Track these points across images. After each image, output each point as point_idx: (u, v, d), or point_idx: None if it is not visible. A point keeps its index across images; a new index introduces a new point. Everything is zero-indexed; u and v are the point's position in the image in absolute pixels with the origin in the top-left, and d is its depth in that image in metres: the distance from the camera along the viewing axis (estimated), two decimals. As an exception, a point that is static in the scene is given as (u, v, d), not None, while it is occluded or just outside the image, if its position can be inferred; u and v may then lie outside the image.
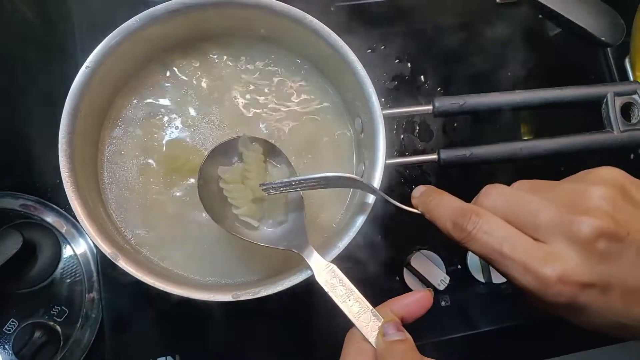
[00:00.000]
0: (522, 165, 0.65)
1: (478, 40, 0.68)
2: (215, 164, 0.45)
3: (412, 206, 0.42)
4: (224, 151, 0.46)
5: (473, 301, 0.62)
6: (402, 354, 0.34)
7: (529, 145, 0.47)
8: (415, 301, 0.38)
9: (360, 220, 0.45)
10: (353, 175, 0.42)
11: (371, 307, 0.37)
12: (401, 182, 0.64)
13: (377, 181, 0.46)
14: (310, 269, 0.41)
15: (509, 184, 0.38)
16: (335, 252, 0.44)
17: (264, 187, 0.43)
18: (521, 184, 0.37)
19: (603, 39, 0.55)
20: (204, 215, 0.49)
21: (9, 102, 0.64)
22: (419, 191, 0.42)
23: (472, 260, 0.61)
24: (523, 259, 0.32)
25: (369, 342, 0.36)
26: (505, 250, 0.33)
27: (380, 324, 0.36)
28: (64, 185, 0.43)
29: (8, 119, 0.63)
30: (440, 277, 0.59)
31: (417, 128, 0.65)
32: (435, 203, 0.39)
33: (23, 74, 0.64)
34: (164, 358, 0.57)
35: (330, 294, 0.38)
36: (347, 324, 0.38)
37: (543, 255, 0.32)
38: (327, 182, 0.42)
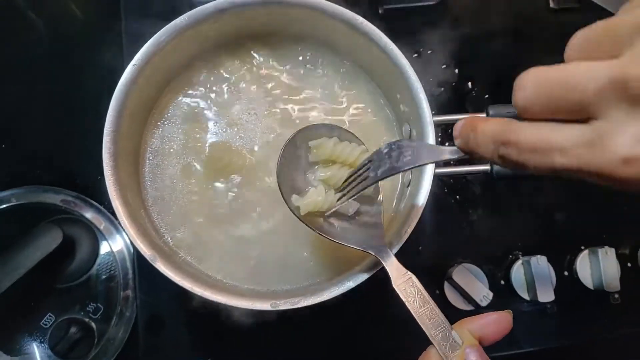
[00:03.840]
0: (576, 181, 0.62)
1: (530, 47, 0.65)
2: (297, 151, 0.42)
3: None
4: (307, 136, 0.42)
5: (516, 319, 0.58)
6: None
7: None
8: (493, 322, 0.34)
9: (416, 212, 0.43)
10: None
11: (450, 326, 0.34)
12: (445, 191, 0.61)
13: (425, 190, 0.44)
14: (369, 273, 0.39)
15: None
16: (396, 247, 0.42)
17: (337, 205, 0.41)
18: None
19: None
20: (245, 219, 0.49)
21: (53, 98, 0.64)
22: (457, 128, 0.34)
23: (517, 277, 0.59)
24: (576, 157, 0.26)
25: None
26: (557, 163, 0.27)
27: (459, 346, 0.33)
28: (106, 183, 0.43)
29: (52, 115, 0.64)
30: (482, 293, 0.56)
31: (463, 136, 0.62)
32: (474, 138, 0.32)
33: (69, 71, 0.65)
34: (197, 361, 0.56)
35: (407, 304, 0.36)
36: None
37: (598, 137, 0.25)
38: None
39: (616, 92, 0.24)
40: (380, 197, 0.42)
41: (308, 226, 0.40)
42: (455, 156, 0.34)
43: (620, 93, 0.24)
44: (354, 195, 0.40)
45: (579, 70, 0.26)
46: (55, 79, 0.65)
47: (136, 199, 0.47)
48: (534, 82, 0.28)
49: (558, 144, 0.27)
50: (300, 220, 0.40)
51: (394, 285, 0.37)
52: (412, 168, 0.35)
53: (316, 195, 0.40)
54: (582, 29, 0.28)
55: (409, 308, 0.35)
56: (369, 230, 0.41)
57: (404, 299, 0.36)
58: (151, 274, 0.57)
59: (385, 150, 0.37)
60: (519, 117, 0.29)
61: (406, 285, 0.36)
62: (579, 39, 0.27)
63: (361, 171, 0.39)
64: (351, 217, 0.42)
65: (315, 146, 0.42)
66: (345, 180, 0.41)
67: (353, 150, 0.42)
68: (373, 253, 0.39)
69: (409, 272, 0.37)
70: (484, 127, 0.31)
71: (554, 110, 0.27)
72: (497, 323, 0.34)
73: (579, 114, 0.26)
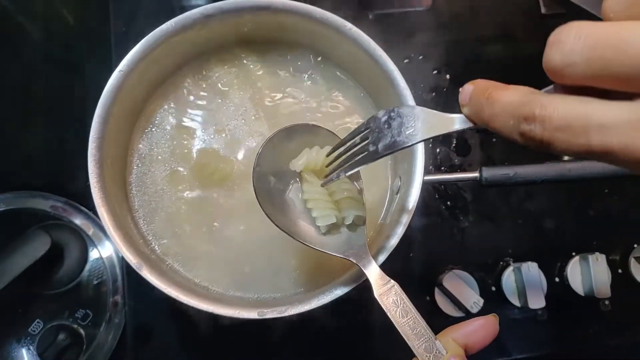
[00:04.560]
0: (567, 188, 0.62)
1: (521, 53, 0.65)
2: (275, 154, 0.40)
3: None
4: (286, 138, 0.40)
5: (507, 326, 0.59)
6: None
7: (578, 166, 0.44)
8: (480, 328, 0.33)
9: (405, 219, 0.42)
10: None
11: (434, 336, 0.34)
12: (435, 197, 0.61)
13: (413, 198, 0.43)
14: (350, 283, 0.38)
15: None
16: (384, 255, 0.41)
17: (326, 180, 0.38)
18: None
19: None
20: (232, 226, 0.48)
21: (42, 103, 0.64)
22: (466, 94, 0.29)
23: (508, 283, 0.59)
24: (618, 138, 0.22)
25: None
26: (594, 142, 0.22)
27: (443, 356, 0.33)
28: (92, 191, 0.42)
29: (41, 121, 0.64)
30: (473, 299, 0.56)
31: (454, 142, 0.62)
32: (488, 108, 0.27)
33: (59, 76, 0.65)
34: (186, 369, 0.56)
35: (389, 315, 0.35)
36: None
37: None
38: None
39: None
40: (363, 198, 0.41)
41: (287, 233, 0.39)
42: (466, 126, 0.30)
43: None
44: (352, 170, 0.35)
45: (638, 29, 0.21)
46: (45, 84, 0.65)
47: (123, 206, 0.46)
48: (578, 37, 0.22)
49: (598, 121, 0.22)
50: (278, 227, 0.39)
51: (375, 295, 0.36)
52: (418, 143, 0.31)
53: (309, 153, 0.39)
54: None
55: (391, 318, 0.35)
56: (351, 237, 0.40)
57: (385, 309, 0.35)
58: (140, 281, 0.57)
59: (383, 118, 0.33)
60: (551, 81, 0.24)
61: (389, 294, 0.36)
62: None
63: (358, 140, 0.35)
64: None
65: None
66: (336, 155, 0.37)
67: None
68: (354, 261, 0.38)
69: (392, 281, 0.36)
70: (501, 97, 0.26)
71: (601, 76, 0.22)
72: (483, 329, 0.34)
73: (631, 83, 0.22)
